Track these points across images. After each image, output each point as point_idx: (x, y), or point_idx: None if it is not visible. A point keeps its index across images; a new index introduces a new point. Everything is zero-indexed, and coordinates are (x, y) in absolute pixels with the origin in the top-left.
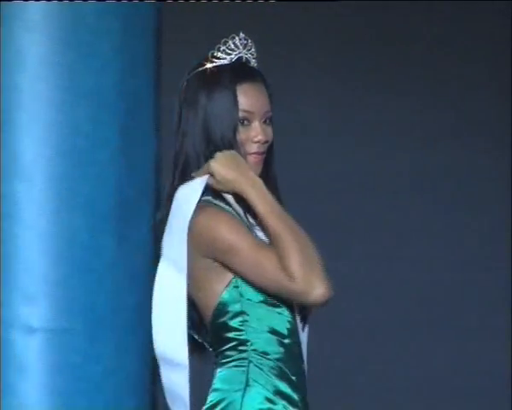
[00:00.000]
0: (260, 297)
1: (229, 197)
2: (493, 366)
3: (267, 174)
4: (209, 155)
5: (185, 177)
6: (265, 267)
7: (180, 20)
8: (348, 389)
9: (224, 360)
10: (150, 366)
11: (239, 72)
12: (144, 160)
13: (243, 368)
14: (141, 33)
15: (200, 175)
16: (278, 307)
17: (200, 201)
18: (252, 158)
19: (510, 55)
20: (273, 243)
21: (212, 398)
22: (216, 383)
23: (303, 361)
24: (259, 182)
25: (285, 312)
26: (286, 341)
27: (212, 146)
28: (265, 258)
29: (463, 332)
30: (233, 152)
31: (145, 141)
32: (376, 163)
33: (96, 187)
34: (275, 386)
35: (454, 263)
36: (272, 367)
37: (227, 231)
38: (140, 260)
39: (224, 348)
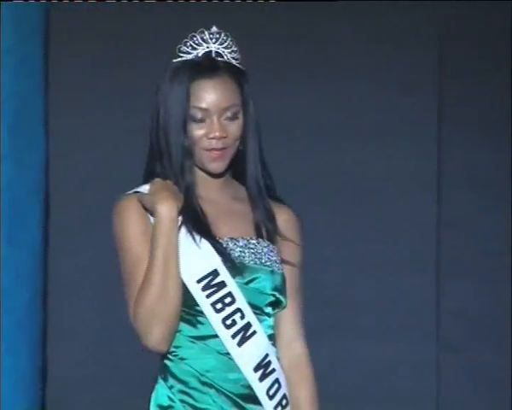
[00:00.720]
0: None
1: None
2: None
3: (242, 172)
4: (166, 155)
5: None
6: (128, 289)
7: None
8: None
9: None
10: (41, 366)
11: (197, 67)
12: (34, 160)
13: (160, 365)
14: (30, 35)
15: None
16: (191, 306)
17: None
18: (207, 154)
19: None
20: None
21: None
22: None
23: (225, 356)
24: (173, 216)
25: (198, 308)
26: (194, 337)
27: (167, 142)
28: (133, 282)
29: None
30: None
31: (34, 142)
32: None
33: None
34: (179, 383)
35: (335, 264)
36: (177, 365)
37: (124, 229)
38: (30, 260)
39: None
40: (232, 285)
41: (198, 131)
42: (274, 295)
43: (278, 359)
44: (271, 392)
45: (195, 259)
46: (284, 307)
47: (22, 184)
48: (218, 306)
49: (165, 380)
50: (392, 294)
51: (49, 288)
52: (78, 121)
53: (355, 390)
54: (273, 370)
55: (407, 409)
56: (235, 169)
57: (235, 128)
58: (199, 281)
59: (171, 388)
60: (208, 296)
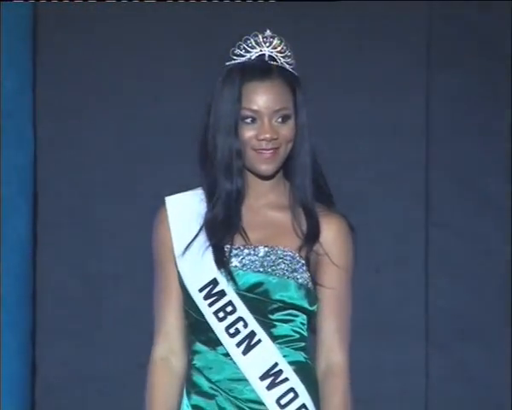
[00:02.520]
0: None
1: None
2: None
3: (291, 176)
4: (213, 157)
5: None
6: (155, 309)
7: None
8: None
9: None
10: (30, 365)
11: (248, 70)
12: (22, 159)
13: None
14: (18, 34)
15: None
16: (199, 314)
17: None
18: (257, 155)
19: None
20: None
21: None
22: None
23: (231, 363)
24: None
25: (204, 318)
26: (205, 342)
27: (214, 144)
28: (157, 304)
29: None
30: None
31: (22, 141)
32: None
33: None
34: (193, 389)
35: None
36: (193, 371)
37: (152, 244)
38: (18, 259)
39: None
40: (232, 294)
41: (248, 133)
42: (283, 302)
43: (310, 364)
44: (283, 401)
45: (199, 267)
46: (311, 313)
47: (10, 184)
48: (221, 315)
49: (186, 388)
50: (380, 292)
51: (38, 287)
52: (66, 121)
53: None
54: (285, 379)
55: (395, 408)
56: (287, 172)
57: (285, 130)
58: (200, 290)
59: (188, 394)
60: (210, 305)
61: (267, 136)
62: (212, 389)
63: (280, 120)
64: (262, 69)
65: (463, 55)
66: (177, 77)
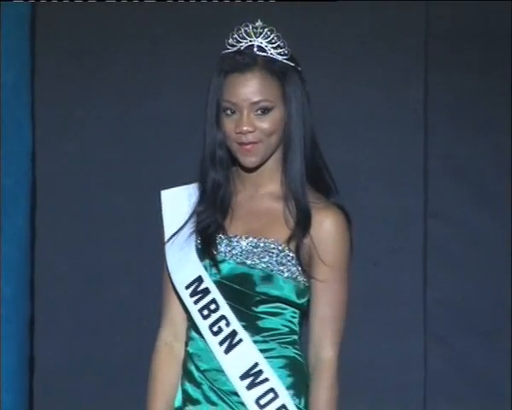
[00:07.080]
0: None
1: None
2: None
3: (285, 170)
4: (203, 146)
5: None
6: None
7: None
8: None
9: None
10: (28, 358)
11: (232, 61)
12: (20, 150)
13: None
14: (16, 25)
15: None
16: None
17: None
18: (239, 148)
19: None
20: None
21: None
22: None
23: (212, 356)
24: None
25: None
26: (197, 330)
27: (203, 134)
28: (163, 293)
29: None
30: None
31: (21, 132)
32: None
33: None
34: (185, 375)
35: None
36: (186, 359)
37: None
38: (16, 250)
39: None
40: (215, 291)
41: (228, 125)
42: (266, 294)
43: (299, 358)
44: (263, 401)
45: (185, 263)
46: (300, 306)
47: (9, 175)
48: (205, 312)
49: (181, 376)
50: (378, 285)
51: (36, 279)
52: (65, 112)
53: (341, 381)
54: (265, 379)
55: (394, 400)
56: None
57: (266, 123)
58: (187, 287)
59: (182, 378)
60: (196, 302)
61: (243, 128)
62: (200, 377)
63: (259, 112)
64: (244, 61)
65: (462, 53)
66: (177, 73)
